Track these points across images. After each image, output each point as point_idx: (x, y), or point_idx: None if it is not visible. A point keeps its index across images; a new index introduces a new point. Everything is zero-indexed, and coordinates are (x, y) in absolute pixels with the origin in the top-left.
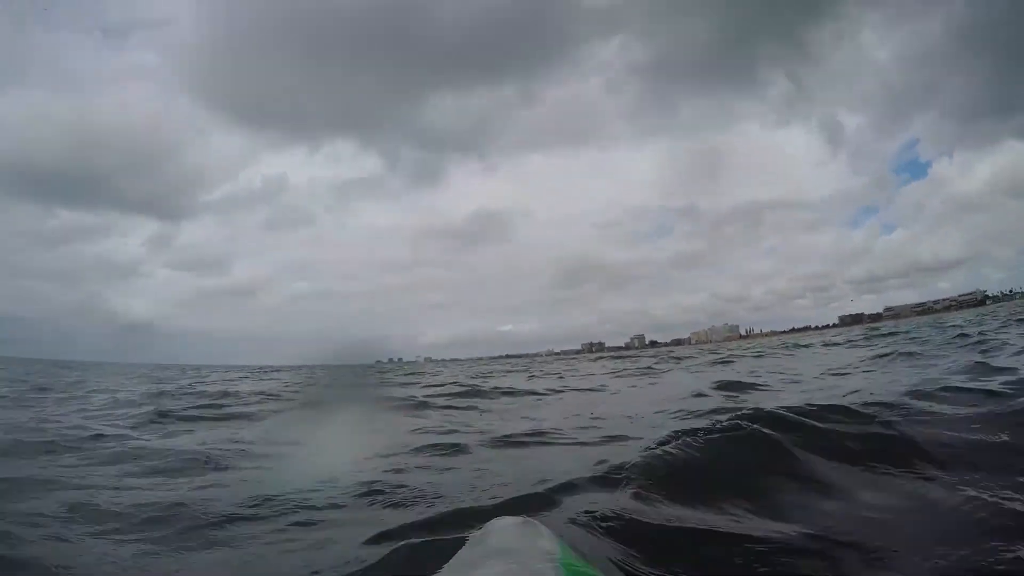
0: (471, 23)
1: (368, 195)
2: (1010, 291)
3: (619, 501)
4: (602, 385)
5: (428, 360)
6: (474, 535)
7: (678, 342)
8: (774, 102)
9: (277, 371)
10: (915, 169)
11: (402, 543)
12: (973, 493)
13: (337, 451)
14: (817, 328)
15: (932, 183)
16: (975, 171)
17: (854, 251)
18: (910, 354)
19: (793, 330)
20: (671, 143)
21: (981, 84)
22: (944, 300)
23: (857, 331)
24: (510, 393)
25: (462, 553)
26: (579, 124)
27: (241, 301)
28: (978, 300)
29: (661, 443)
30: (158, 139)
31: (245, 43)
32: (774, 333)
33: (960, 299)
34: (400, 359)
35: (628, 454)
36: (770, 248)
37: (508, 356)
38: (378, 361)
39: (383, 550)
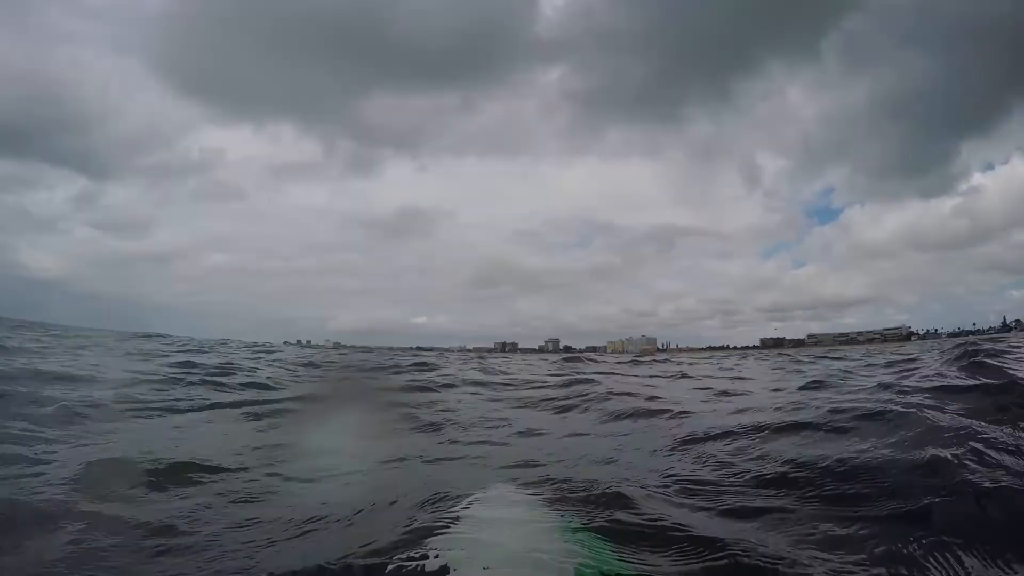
0: (426, 34)
1: (301, 178)
2: (936, 330)
3: None
4: None
5: (337, 345)
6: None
7: (593, 349)
8: (696, 140)
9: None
10: (827, 214)
11: None
12: None
13: None
14: (737, 348)
15: (842, 228)
16: (882, 222)
17: (763, 281)
18: None
19: (710, 348)
20: (598, 163)
21: (894, 148)
22: (869, 332)
23: None
24: None
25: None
26: (512, 137)
27: (157, 268)
28: (903, 335)
29: None
30: (104, 99)
31: (206, 17)
32: (691, 349)
33: (885, 332)
34: (309, 341)
35: None
36: (682, 269)
37: (419, 348)
38: (285, 342)
39: None
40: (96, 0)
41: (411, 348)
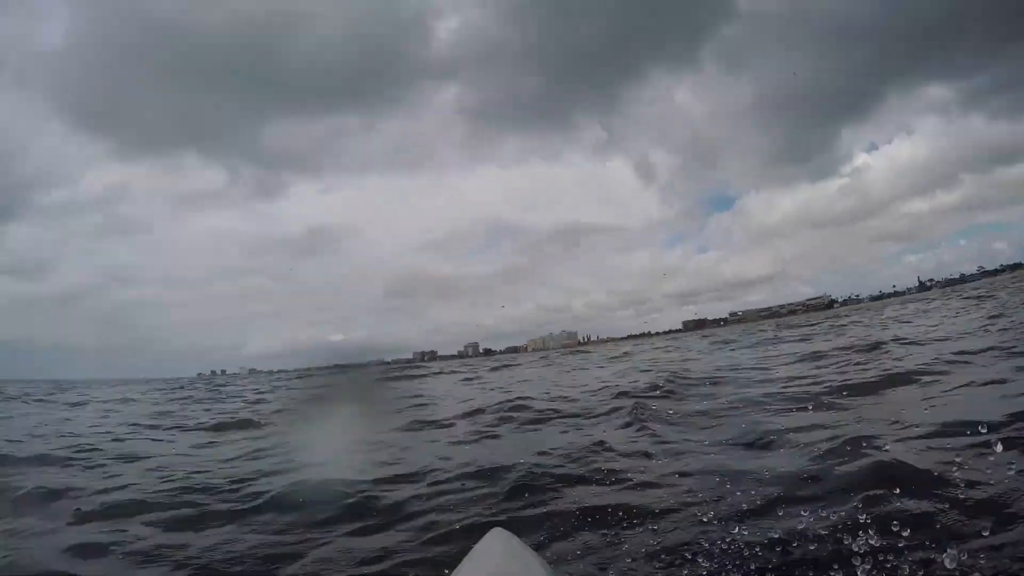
0: (322, 61)
1: (207, 206)
2: (857, 296)
3: None
4: None
5: (252, 372)
6: (466, 558)
7: (514, 350)
8: (589, 144)
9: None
10: (724, 202)
11: None
12: None
13: None
14: (659, 333)
15: (739, 214)
16: (776, 205)
17: (669, 269)
18: None
19: (631, 336)
20: (498, 170)
21: (779, 138)
22: (790, 304)
23: None
24: None
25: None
26: (413, 153)
27: (62, 308)
28: (825, 304)
29: None
30: (6, 139)
31: (104, 52)
32: (613, 339)
33: (808, 303)
34: (223, 371)
35: None
36: (589, 264)
37: (338, 366)
38: (200, 374)
39: None
40: None
41: (330, 367)
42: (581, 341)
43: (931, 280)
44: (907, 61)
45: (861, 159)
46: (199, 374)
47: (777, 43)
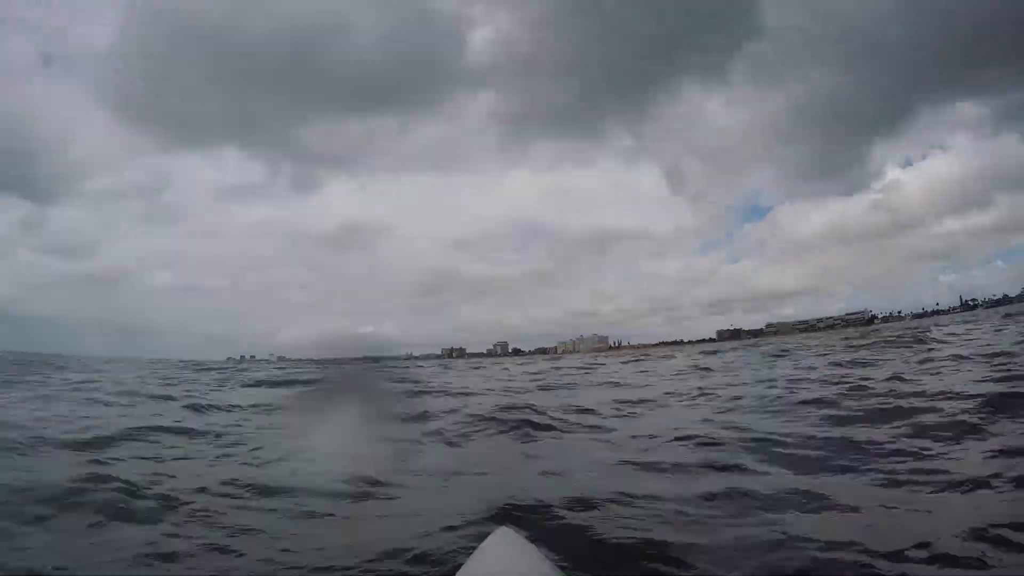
0: (359, 65)
1: (246, 199)
2: (899, 312)
3: None
4: None
5: (280, 359)
6: (472, 556)
7: (543, 351)
8: (618, 152)
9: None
10: (757, 212)
11: None
12: None
13: None
14: (692, 342)
15: (772, 225)
16: (810, 219)
17: (699, 277)
18: None
19: (663, 343)
20: (531, 174)
21: (811, 151)
22: (829, 319)
23: None
24: None
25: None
26: (447, 155)
27: (102, 289)
28: (865, 320)
29: None
30: (53, 129)
31: (149, 55)
32: (644, 345)
33: (847, 317)
34: (252, 356)
35: None
36: (618, 270)
37: (365, 359)
38: (229, 358)
39: None
40: (50, 29)
41: (358, 359)
42: (612, 346)
43: (974, 300)
44: (939, 76)
45: (894, 174)
46: (228, 358)
47: (806, 57)
